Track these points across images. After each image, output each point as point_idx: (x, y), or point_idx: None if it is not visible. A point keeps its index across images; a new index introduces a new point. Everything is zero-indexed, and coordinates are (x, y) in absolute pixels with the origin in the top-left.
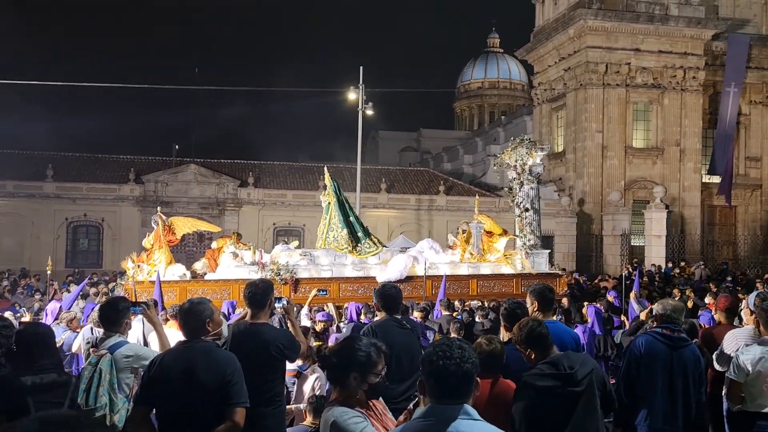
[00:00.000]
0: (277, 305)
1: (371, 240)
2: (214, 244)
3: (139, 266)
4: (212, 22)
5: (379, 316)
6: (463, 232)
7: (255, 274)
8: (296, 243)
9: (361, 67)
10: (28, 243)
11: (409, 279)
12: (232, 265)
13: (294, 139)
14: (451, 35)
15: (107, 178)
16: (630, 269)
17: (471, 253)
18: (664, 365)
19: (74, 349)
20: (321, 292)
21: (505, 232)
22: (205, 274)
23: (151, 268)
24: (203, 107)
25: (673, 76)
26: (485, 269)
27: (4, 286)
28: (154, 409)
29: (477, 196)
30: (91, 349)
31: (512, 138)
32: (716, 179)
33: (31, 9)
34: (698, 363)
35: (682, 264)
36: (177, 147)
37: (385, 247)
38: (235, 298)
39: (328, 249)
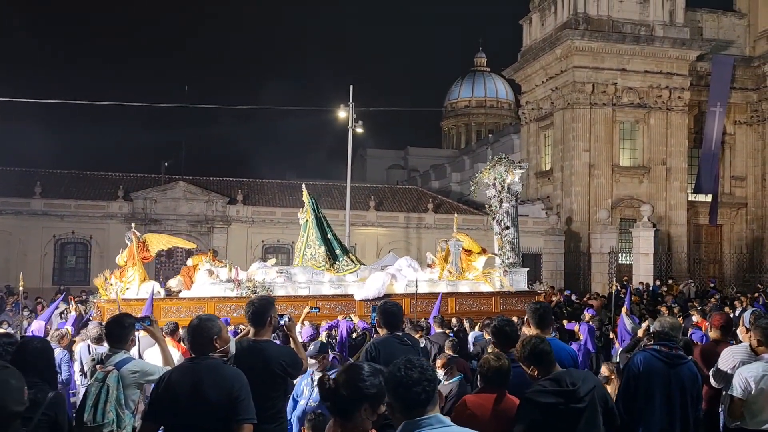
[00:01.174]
0: (280, 321)
1: (349, 257)
2: (189, 262)
3: (112, 284)
4: (203, 39)
5: (381, 333)
6: (442, 250)
7: (231, 292)
8: (273, 261)
9: (351, 86)
10: (15, 260)
11: (386, 297)
12: (208, 283)
13: (283, 156)
14: (439, 55)
15: (96, 195)
16: (618, 287)
17: (450, 271)
18: (662, 382)
19: (77, 367)
20: (313, 310)
21: (483, 251)
22: (180, 291)
23: (123, 285)
24: (193, 125)
25: (659, 96)
26: (464, 287)
27: None
28: (162, 426)
29: (456, 214)
30: (97, 366)
31: (490, 157)
32: (702, 198)
33: (19, 27)
34: (696, 380)
35: (670, 282)
36: (166, 164)
37: (363, 264)
38: None
39: (306, 266)
